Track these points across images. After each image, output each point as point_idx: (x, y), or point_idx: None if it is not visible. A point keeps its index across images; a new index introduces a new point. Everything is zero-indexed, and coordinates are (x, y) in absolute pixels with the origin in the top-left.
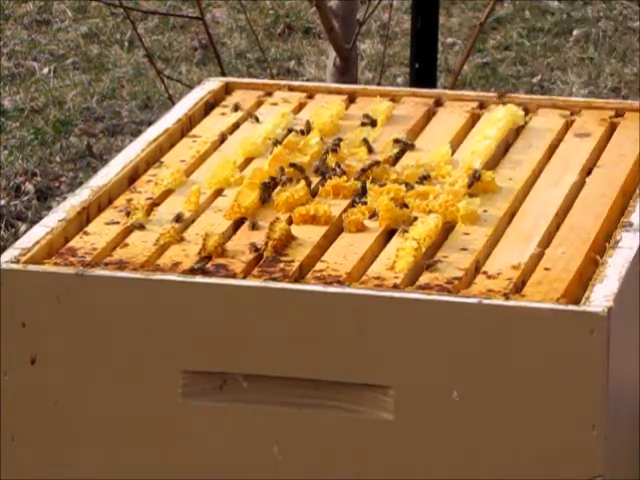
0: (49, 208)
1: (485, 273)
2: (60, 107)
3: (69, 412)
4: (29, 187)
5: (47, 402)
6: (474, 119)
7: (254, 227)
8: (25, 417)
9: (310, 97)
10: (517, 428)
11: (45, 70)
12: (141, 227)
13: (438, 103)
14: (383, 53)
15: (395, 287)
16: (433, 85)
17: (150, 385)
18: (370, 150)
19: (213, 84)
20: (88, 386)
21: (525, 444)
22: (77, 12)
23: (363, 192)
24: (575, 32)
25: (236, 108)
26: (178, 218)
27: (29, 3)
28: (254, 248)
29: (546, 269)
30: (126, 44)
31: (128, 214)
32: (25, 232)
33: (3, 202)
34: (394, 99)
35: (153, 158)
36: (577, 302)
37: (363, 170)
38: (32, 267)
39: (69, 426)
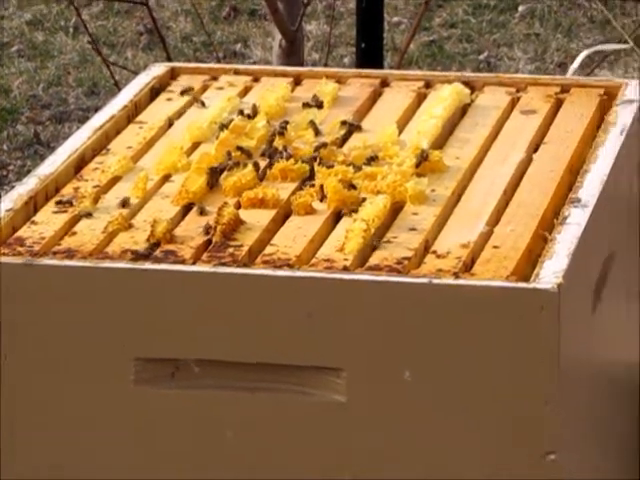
0: None
1: (434, 252)
2: (6, 95)
3: (24, 399)
4: None
5: (2, 391)
6: (420, 99)
7: (202, 212)
8: None
9: (256, 80)
10: (470, 406)
11: None
12: (89, 215)
13: (384, 83)
14: (329, 34)
15: (345, 269)
16: (380, 64)
17: (103, 373)
18: (317, 132)
19: (158, 69)
20: (41, 375)
21: (478, 422)
22: None
23: (311, 174)
24: (521, 8)
25: (186, 92)
26: (124, 203)
27: None
28: (205, 232)
29: (495, 247)
30: (71, 30)
31: (67, 204)
32: None
33: None
34: (340, 80)
35: (100, 145)
36: (527, 279)
37: (311, 154)
38: None
39: (25, 413)
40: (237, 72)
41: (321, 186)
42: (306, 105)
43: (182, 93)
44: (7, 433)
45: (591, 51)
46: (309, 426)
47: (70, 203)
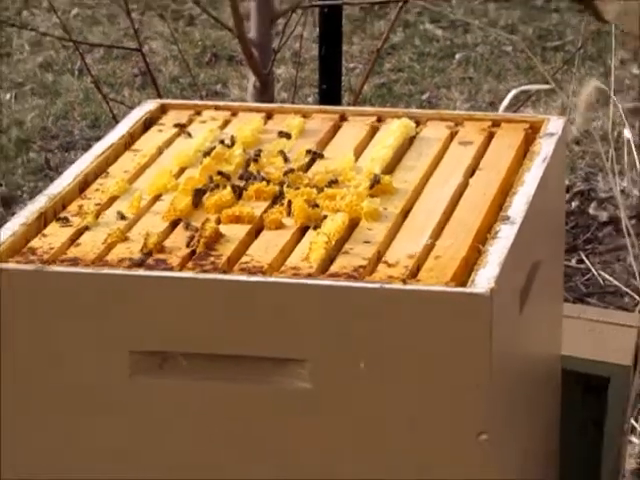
0: (13, 214)
1: (385, 262)
2: (21, 127)
3: (32, 390)
4: None
5: (11, 380)
6: (374, 131)
7: (188, 227)
8: None
9: (234, 115)
10: (414, 392)
11: (7, 96)
12: (91, 229)
13: (343, 118)
14: (295, 76)
15: (309, 275)
16: (338, 103)
17: (102, 365)
18: (286, 159)
19: (150, 105)
20: (48, 368)
21: (422, 406)
22: (34, 45)
23: (280, 195)
24: (457, 56)
25: (178, 125)
26: (121, 219)
27: None
28: (190, 243)
29: (437, 257)
30: (76, 72)
31: (63, 220)
32: None
33: None
34: (305, 115)
35: (100, 169)
36: (464, 285)
37: (280, 178)
38: None
39: (34, 403)
40: (218, 108)
41: (289, 205)
42: (277, 136)
43: (175, 126)
44: (12, 421)
45: (518, 90)
46: (279, 409)
47: (67, 219)
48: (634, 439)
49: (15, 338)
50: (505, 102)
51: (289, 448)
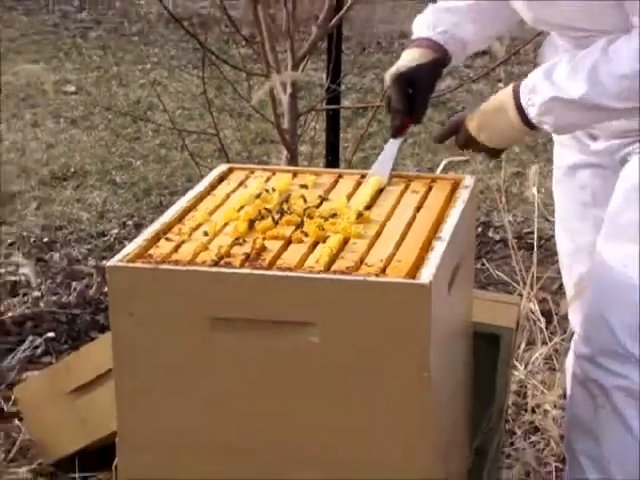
0: (141, 233)
1: (366, 264)
2: (145, 181)
3: (149, 344)
4: (130, 223)
5: (137, 338)
6: (358, 184)
7: (245, 242)
8: (126, 350)
9: (273, 174)
10: (383, 344)
11: (137, 163)
12: (186, 242)
13: (340, 176)
14: (311, 152)
15: (319, 272)
16: (337, 167)
17: (193, 327)
18: (305, 201)
19: (223, 168)
20: (159, 330)
21: (386, 353)
22: (154, 132)
23: (302, 223)
24: (409, 140)
25: (239, 182)
26: (205, 235)
27: (129, 128)
28: (245, 253)
29: (398, 261)
30: (179, 149)
31: (166, 239)
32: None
33: (116, 231)
34: (317, 174)
35: (192, 207)
36: (414, 278)
37: (302, 212)
38: (129, 264)
39: (150, 352)
40: (264, 170)
41: (306, 229)
42: (299, 187)
43: (238, 181)
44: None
45: (447, 161)
46: (298, 355)
47: (171, 237)
48: (515, 372)
49: (139, 309)
50: (440, 168)
51: (304, 381)
